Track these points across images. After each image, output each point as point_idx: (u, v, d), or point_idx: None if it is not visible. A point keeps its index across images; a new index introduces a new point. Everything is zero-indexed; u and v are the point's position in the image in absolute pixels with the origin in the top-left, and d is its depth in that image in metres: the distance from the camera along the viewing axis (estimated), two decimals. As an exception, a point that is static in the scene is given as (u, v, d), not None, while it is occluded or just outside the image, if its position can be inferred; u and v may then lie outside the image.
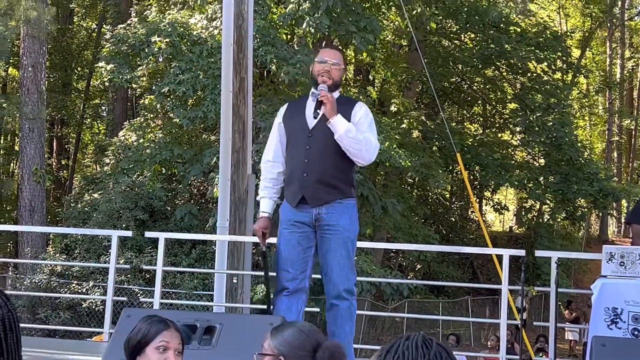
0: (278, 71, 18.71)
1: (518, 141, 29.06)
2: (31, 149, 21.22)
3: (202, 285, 17.90)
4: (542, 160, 27.48)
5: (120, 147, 22.17)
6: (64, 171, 33.68)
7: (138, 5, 27.12)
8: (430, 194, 32.01)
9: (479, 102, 31.93)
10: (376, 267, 19.73)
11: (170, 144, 20.61)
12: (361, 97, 20.46)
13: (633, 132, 42.31)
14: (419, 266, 27.47)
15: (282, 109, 5.53)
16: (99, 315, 16.59)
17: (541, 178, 25.94)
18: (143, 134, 21.67)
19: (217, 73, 16.81)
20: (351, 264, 5.31)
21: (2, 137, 32.96)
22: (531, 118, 25.05)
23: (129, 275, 17.86)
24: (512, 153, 29.04)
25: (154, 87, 20.30)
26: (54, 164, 32.90)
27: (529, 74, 26.81)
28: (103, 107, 35.06)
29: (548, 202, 27.62)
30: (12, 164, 32.64)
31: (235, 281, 8.64)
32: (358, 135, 5.13)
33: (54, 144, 33.71)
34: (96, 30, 33.54)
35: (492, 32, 25.25)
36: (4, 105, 22.25)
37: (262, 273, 5.74)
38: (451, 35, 28.24)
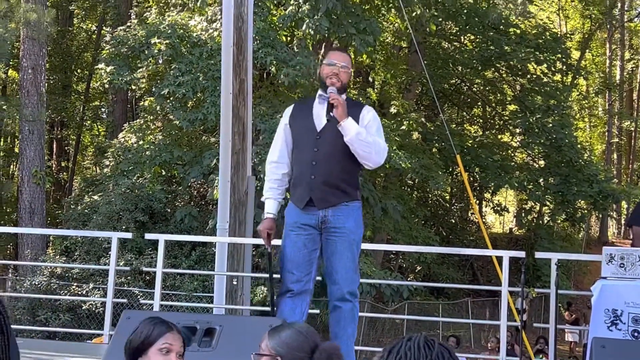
0: (278, 73, 18.71)
1: (518, 143, 29.07)
2: (31, 151, 21.23)
3: (202, 287, 17.91)
4: (542, 162, 27.48)
5: (120, 149, 22.16)
6: (64, 173, 33.67)
7: (138, 7, 27.12)
8: (430, 195, 32.03)
9: (479, 103, 31.94)
10: (376, 268, 19.75)
11: (170, 146, 20.60)
12: (361, 99, 20.48)
13: (633, 134, 42.32)
14: (419, 268, 27.47)
15: (288, 110, 5.52)
16: (99, 317, 16.59)
17: (541, 180, 25.94)
18: (143, 136, 21.66)
19: (217, 75, 16.81)
20: (355, 266, 5.34)
21: (2, 139, 32.98)
22: (531, 120, 25.05)
23: (129, 277, 17.87)
24: (512, 155, 29.04)
25: (153, 89, 20.30)
26: (54, 166, 32.89)
27: (528, 76, 26.82)
28: (103, 109, 35.04)
29: (548, 203, 27.63)
30: (12, 166, 32.62)
31: (235, 283, 8.64)
32: (368, 138, 5.15)
33: (54, 146, 33.70)
34: (96, 32, 33.56)
35: (491, 33, 25.26)
36: (4, 107, 22.25)
37: (263, 275, 5.75)
38: (451, 36, 28.26)
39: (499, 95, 29.59)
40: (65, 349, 7.38)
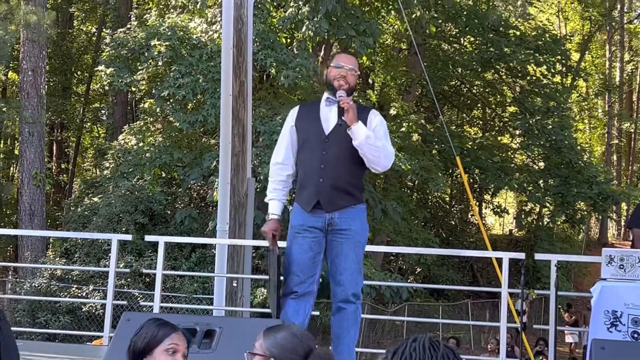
0: (278, 75, 18.72)
1: (518, 144, 29.08)
2: (31, 153, 21.23)
3: (202, 288, 17.90)
4: (541, 164, 27.49)
5: (120, 150, 22.16)
6: (64, 175, 33.68)
7: (138, 9, 27.14)
8: (430, 197, 32.04)
9: (479, 105, 31.97)
10: (376, 270, 19.74)
11: (170, 148, 20.60)
12: (361, 101, 20.48)
13: (632, 135, 42.34)
14: (419, 269, 27.46)
15: (294, 112, 5.48)
16: (99, 319, 16.58)
17: (541, 181, 25.96)
18: (143, 138, 21.66)
19: (216, 77, 16.82)
20: (360, 268, 5.35)
21: (2, 141, 32.98)
22: (531, 121, 25.06)
23: (129, 279, 17.87)
24: (512, 156, 29.06)
25: (153, 91, 20.30)
26: (54, 167, 32.91)
27: (528, 77, 26.83)
28: (103, 111, 35.06)
29: (548, 205, 27.63)
30: (12, 168, 32.64)
31: (235, 285, 8.64)
32: (377, 142, 5.17)
33: (54, 147, 33.71)
34: (96, 34, 33.58)
35: (491, 35, 25.27)
36: (4, 109, 22.24)
37: (263, 277, 5.72)
38: (451, 38, 28.28)
39: (498, 96, 29.61)
40: (65, 350, 7.39)
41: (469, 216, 33.71)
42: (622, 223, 40.00)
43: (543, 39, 25.56)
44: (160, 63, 20.13)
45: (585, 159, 25.64)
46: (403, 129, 22.15)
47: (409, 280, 26.33)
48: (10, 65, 28.31)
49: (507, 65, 26.14)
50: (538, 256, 7.34)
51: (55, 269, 18.22)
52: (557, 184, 24.85)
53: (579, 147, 26.02)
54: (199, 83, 18.77)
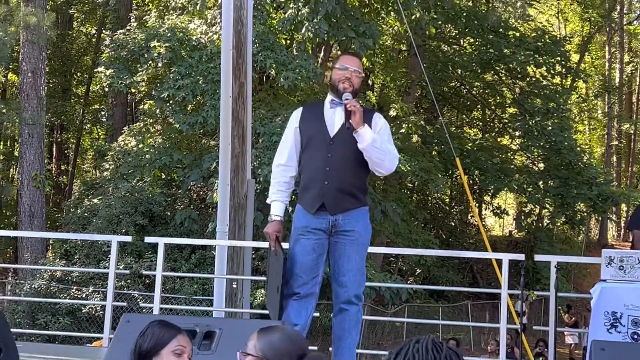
0: (277, 76, 18.72)
1: (517, 145, 29.08)
2: (31, 154, 21.22)
3: (201, 290, 17.90)
4: (541, 165, 27.50)
5: (120, 152, 22.16)
6: (64, 176, 33.68)
7: (137, 11, 27.15)
8: (429, 198, 32.05)
9: (478, 106, 31.97)
10: (376, 271, 19.73)
11: (170, 149, 20.60)
12: (360, 102, 20.46)
13: (632, 137, 42.33)
14: (418, 271, 27.45)
15: (297, 114, 5.46)
16: (99, 320, 16.58)
17: (540, 182, 25.96)
18: (142, 139, 21.66)
19: (216, 78, 16.81)
20: (363, 269, 5.36)
21: (1, 143, 32.98)
22: (530, 122, 25.06)
23: (128, 281, 17.86)
24: (512, 157, 29.07)
25: (153, 93, 20.30)
26: (54, 169, 32.90)
27: (528, 79, 26.83)
28: (102, 113, 35.07)
29: (547, 206, 27.63)
30: (11, 170, 32.63)
31: (234, 286, 8.64)
32: (383, 145, 5.17)
33: (54, 149, 33.71)
34: (96, 35, 33.59)
35: (491, 36, 25.27)
36: (4, 110, 22.25)
37: (262, 278, 5.70)
38: (450, 40, 28.28)
39: (498, 98, 29.60)
40: (65, 352, 7.38)
41: (469, 217, 33.72)
42: (622, 224, 39.99)
43: (543, 40, 25.56)
44: (160, 64, 20.14)
45: (585, 160, 25.65)
46: (403, 130, 22.14)
47: (408, 282, 26.33)
48: (10, 66, 28.32)
49: (507, 66, 26.14)
50: (538, 257, 7.34)
51: (55, 271, 18.20)
52: (557, 185, 24.85)
53: (578, 149, 26.03)
54: (198, 84, 18.77)
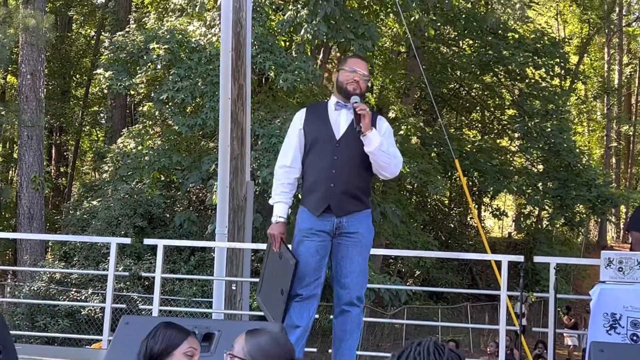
0: (276, 78, 18.72)
1: (516, 147, 29.09)
2: (30, 156, 21.22)
3: (201, 292, 17.89)
4: (540, 166, 27.51)
5: (119, 154, 22.15)
6: (63, 178, 33.66)
7: (137, 13, 27.15)
8: (429, 200, 32.03)
9: (478, 108, 31.98)
10: (375, 273, 19.73)
11: (169, 151, 20.60)
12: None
13: (631, 138, 42.33)
14: (418, 272, 27.44)
15: (301, 115, 5.43)
16: (98, 322, 16.57)
17: (540, 184, 25.97)
18: (142, 141, 21.66)
19: (215, 80, 16.82)
20: (365, 271, 5.36)
21: (0, 145, 32.95)
22: (529, 124, 25.07)
23: (128, 283, 17.86)
24: (511, 159, 29.08)
25: (152, 94, 20.30)
26: (53, 171, 32.88)
27: (527, 80, 26.85)
28: (102, 115, 35.02)
29: (547, 208, 27.66)
30: (10, 172, 32.60)
31: (234, 288, 8.63)
32: (389, 149, 5.18)
33: (53, 151, 33.68)
34: (95, 37, 33.56)
35: (490, 38, 25.30)
36: (3, 112, 22.24)
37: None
38: (449, 41, 28.30)
39: (497, 99, 29.62)
40: (64, 354, 7.38)
41: (468, 219, 33.70)
42: (622, 226, 40.00)
43: (542, 41, 25.58)
44: (159, 66, 20.14)
45: (584, 162, 25.66)
46: (402, 132, 22.16)
47: (408, 283, 26.33)
48: (9, 68, 28.31)
49: (506, 68, 26.16)
50: (537, 259, 7.34)
51: (54, 273, 18.19)
52: (556, 187, 24.86)
53: (577, 150, 26.04)
54: (197, 86, 18.77)
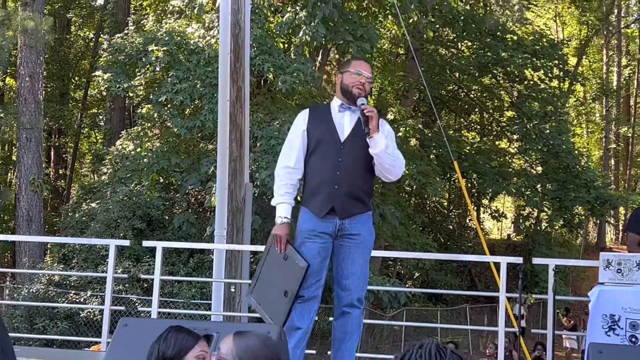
0: (275, 80, 18.73)
1: (515, 149, 29.10)
2: (28, 158, 21.21)
3: (199, 294, 17.88)
4: (539, 168, 27.52)
5: (118, 156, 22.15)
6: (62, 181, 33.65)
7: (135, 15, 27.15)
8: (428, 202, 32.03)
9: (476, 110, 31.99)
10: (374, 275, 19.73)
11: (168, 153, 20.60)
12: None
13: (630, 140, 42.34)
14: (417, 274, 27.44)
15: (304, 116, 5.40)
16: (97, 324, 16.58)
17: (538, 186, 25.97)
18: (140, 143, 21.66)
19: (214, 82, 16.83)
20: (366, 273, 5.35)
21: (-1, 147, 32.97)
22: (528, 126, 25.08)
23: (126, 285, 17.85)
24: (510, 161, 29.09)
25: (151, 96, 20.31)
26: (52, 173, 32.87)
27: (525, 82, 26.86)
28: (100, 117, 35.01)
29: (546, 209, 27.66)
30: (9, 174, 32.57)
31: (233, 290, 8.63)
32: (394, 151, 5.20)
33: (52, 153, 33.68)
34: (93, 39, 33.57)
35: (488, 40, 25.30)
36: (2, 115, 22.23)
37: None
38: (448, 43, 28.30)
39: (496, 101, 29.64)
40: (63, 356, 7.38)
41: (467, 221, 33.70)
42: (620, 227, 40.00)
43: (540, 43, 25.58)
44: (157, 68, 20.15)
45: (582, 164, 25.66)
46: (400, 134, 22.16)
47: (407, 285, 26.32)
48: (8, 71, 28.30)
49: (505, 69, 26.17)
50: (536, 260, 7.33)
51: (53, 275, 18.19)
52: (555, 189, 24.86)
53: (576, 152, 26.03)
54: (196, 88, 18.78)
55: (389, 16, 23.27)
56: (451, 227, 33.26)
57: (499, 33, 25.31)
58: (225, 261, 8.61)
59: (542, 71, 25.73)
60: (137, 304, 16.74)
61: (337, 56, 25.97)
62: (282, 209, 5.31)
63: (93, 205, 21.25)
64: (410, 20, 21.44)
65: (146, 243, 8.42)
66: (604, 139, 41.96)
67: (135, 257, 18.81)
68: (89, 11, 33.75)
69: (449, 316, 26.16)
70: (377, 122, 5.11)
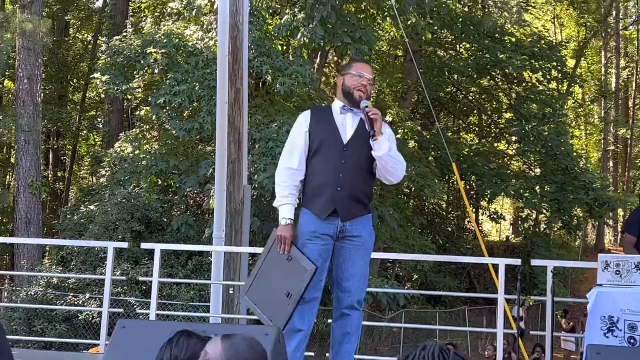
0: (273, 82, 18.73)
1: (514, 151, 29.10)
2: (27, 161, 21.20)
3: (198, 296, 17.87)
4: (537, 170, 27.51)
5: (116, 158, 22.14)
6: (60, 183, 33.64)
7: (133, 17, 27.15)
8: (426, 203, 32.02)
9: (475, 111, 31.99)
10: (373, 277, 19.73)
11: (166, 155, 20.60)
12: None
13: (629, 141, 42.33)
14: (415, 276, 27.44)
15: (306, 117, 5.39)
16: (95, 327, 16.58)
17: (537, 187, 25.97)
18: (139, 145, 21.65)
19: (213, 84, 16.83)
20: (366, 275, 5.36)
21: (-2, 150, 32.95)
22: (527, 128, 25.09)
23: (125, 287, 17.84)
24: (508, 162, 29.08)
25: (149, 99, 20.30)
26: (50, 176, 32.86)
27: (524, 84, 26.86)
28: (99, 119, 35.01)
29: (544, 211, 27.66)
30: (8, 176, 32.57)
31: (231, 292, 8.64)
32: (396, 154, 5.22)
33: (50, 156, 33.68)
34: (92, 42, 33.57)
35: (487, 42, 25.30)
36: (0, 117, 22.23)
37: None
38: (446, 45, 28.30)
39: (494, 103, 29.65)
40: (62, 359, 7.37)
41: (466, 223, 33.70)
42: (619, 229, 39.99)
43: (539, 45, 25.57)
44: (156, 70, 20.14)
45: (581, 165, 25.68)
46: (399, 136, 22.15)
47: (405, 287, 26.31)
48: (6, 73, 28.29)
49: (503, 71, 26.18)
50: (534, 262, 7.33)
51: (51, 277, 18.19)
52: (554, 190, 24.86)
53: (575, 154, 26.05)
54: (195, 90, 18.77)
55: (387, 18, 23.26)
56: (450, 229, 33.26)
57: (497, 35, 25.32)
58: (224, 263, 8.61)
59: (540, 73, 25.74)
60: (135, 306, 16.75)
61: (335, 58, 26.00)
62: (286, 210, 5.29)
63: (91, 207, 21.24)
64: (409, 22, 21.45)
65: (144, 245, 8.42)
66: (602, 141, 41.96)
67: (134, 259, 18.80)
68: (87, 13, 33.76)
69: (448, 318, 26.15)
70: (380, 125, 5.13)
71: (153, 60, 19.45)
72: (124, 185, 20.76)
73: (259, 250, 7.19)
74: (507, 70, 25.80)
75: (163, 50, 19.34)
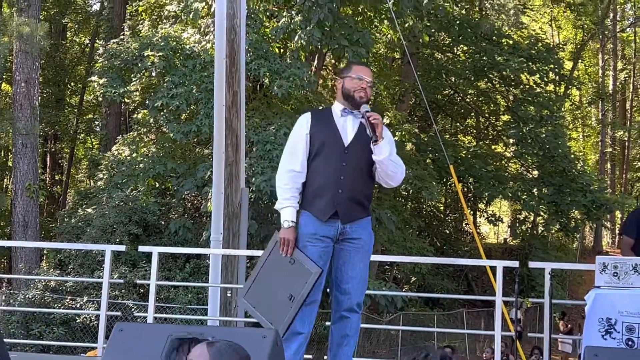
0: (271, 85, 18.72)
1: (511, 153, 29.11)
2: (24, 164, 21.19)
3: (196, 299, 17.85)
4: (535, 172, 27.53)
5: (114, 161, 22.13)
6: (58, 186, 33.63)
7: (131, 20, 27.14)
8: (424, 206, 32.03)
9: (472, 114, 32.01)
10: (371, 279, 19.72)
11: (164, 158, 20.58)
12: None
13: (626, 144, 42.39)
14: (413, 278, 27.45)
15: (306, 120, 5.38)
16: (93, 330, 16.55)
17: (535, 190, 25.98)
18: (136, 149, 21.64)
19: (210, 87, 16.82)
20: (366, 277, 5.36)
21: (-5, 153, 32.93)
22: (524, 130, 25.10)
23: (123, 290, 17.82)
24: (506, 165, 29.08)
25: (147, 102, 20.29)
26: (48, 179, 32.84)
27: (521, 86, 26.88)
28: (96, 122, 35.02)
29: (542, 213, 27.67)
30: (5, 180, 32.57)
31: (229, 295, 8.63)
32: (396, 158, 5.25)
33: (48, 159, 33.66)
34: (89, 45, 33.58)
35: (484, 44, 25.32)
36: (-3, 120, 22.24)
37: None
38: (444, 47, 28.32)
39: (492, 105, 29.66)
40: (59, 362, 7.37)
41: (464, 225, 33.72)
42: (617, 231, 40.03)
43: (536, 47, 25.59)
44: (153, 73, 20.14)
45: (579, 167, 25.70)
46: (397, 138, 22.13)
47: (403, 290, 26.33)
48: (4, 76, 28.29)
49: (500, 74, 26.19)
50: (532, 264, 7.33)
51: (49, 280, 18.16)
52: (551, 193, 24.87)
53: (572, 156, 26.08)
54: (192, 93, 18.76)
55: (385, 21, 23.27)
56: (447, 232, 33.28)
57: (494, 37, 25.34)
58: (222, 266, 8.61)
59: (537, 75, 25.77)
60: (133, 310, 16.71)
61: (332, 61, 26.00)
62: (288, 213, 5.28)
63: (89, 210, 21.22)
64: (406, 25, 21.45)
65: (142, 248, 8.41)
66: (600, 143, 42.00)
67: (132, 262, 18.79)
68: (85, 17, 33.80)
69: (446, 320, 26.16)
70: (381, 129, 5.13)
71: (150, 64, 19.46)
72: (121, 188, 20.75)
73: (256, 253, 7.19)
74: (504, 73, 25.81)
75: (160, 54, 19.33)
